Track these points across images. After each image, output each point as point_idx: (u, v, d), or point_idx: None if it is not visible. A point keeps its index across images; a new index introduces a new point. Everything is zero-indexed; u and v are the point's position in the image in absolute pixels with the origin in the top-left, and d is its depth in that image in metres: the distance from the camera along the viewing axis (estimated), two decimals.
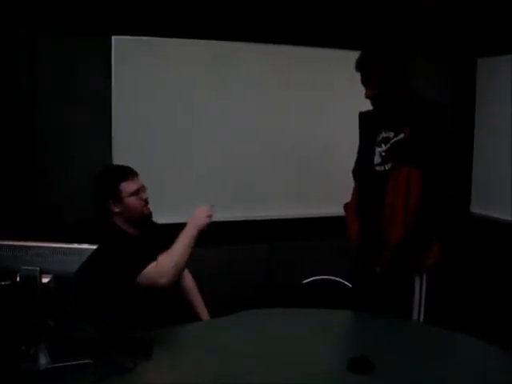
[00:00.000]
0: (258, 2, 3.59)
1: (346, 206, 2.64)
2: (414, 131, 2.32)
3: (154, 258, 2.18)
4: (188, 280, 2.53)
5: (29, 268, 1.65)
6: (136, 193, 2.28)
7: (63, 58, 3.29)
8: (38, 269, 1.65)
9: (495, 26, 3.88)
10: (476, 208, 4.14)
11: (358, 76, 2.45)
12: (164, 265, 2.12)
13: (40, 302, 1.65)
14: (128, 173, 2.30)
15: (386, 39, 2.71)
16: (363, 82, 2.42)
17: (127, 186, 2.26)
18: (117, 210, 2.26)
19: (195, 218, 2.23)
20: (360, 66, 2.41)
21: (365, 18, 3.78)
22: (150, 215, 2.35)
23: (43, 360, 1.66)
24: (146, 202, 2.32)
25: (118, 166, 2.41)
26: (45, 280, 1.66)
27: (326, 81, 3.83)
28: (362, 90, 2.46)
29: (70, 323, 1.74)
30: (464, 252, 3.98)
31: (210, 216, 2.21)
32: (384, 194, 2.36)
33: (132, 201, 2.27)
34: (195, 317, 2.42)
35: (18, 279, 1.66)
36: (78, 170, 3.32)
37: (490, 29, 3.93)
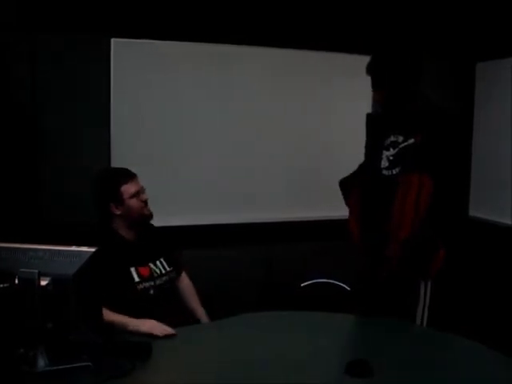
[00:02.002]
0: (257, 6, 3.60)
1: (341, 183, 2.63)
2: (427, 138, 2.30)
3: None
4: (185, 282, 2.54)
5: (27, 270, 1.64)
6: (136, 194, 2.30)
7: (63, 60, 3.30)
8: (37, 271, 1.64)
9: (494, 30, 3.89)
10: (474, 212, 4.14)
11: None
12: None
13: (39, 305, 1.65)
14: (128, 175, 2.33)
15: (397, 43, 2.70)
16: (374, 85, 2.41)
17: (128, 188, 2.29)
18: (118, 212, 2.28)
19: (152, 323, 2.07)
20: (371, 68, 2.41)
21: (365, 23, 3.80)
22: (150, 216, 2.37)
23: (42, 362, 1.66)
24: (146, 203, 2.34)
25: (117, 169, 2.44)
26: (43, 282, 1.66)
27: (327, 84, 3.84)
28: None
29: (68, 325, 1.73)
30: (463, 256, 3.98)
31: (163, 333, 2.02)
32: (392, 199, 2.34)
33: (133, 202, 2.29)
34: (193, 318, 2.42)
35: (16, 282, 1.66)
36: (77, 171, 3.32)
37: (489, 33, 3.93)
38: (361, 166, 2.64)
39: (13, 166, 3.23)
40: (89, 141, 3.38)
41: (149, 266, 2.32)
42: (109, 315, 2.04)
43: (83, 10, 3.26)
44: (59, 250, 1.69)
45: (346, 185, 2.61)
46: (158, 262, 2.37)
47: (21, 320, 1.66)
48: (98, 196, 2.33)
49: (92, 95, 3.38)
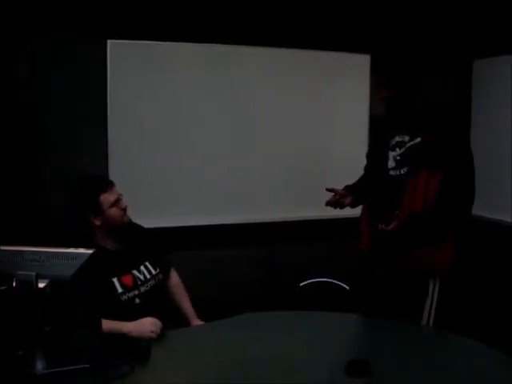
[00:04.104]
0: (255, 6, 3.60)
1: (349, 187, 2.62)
2: (434, 137, 2.30)
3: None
4: (174, 281, 2.52)
5: (25, 273, 1.64)
6: (116, 203, 2.24)
7: (62, 61, 3.31)
8: (35, 274, 1.64)
9: (491, 28, 3.88)
10: (475, 210, 4.12)
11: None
12: None
13: (37, 307, 1.65)
14: (106, 183, 2.26)
15: (400, 41, 2.69)
16: (379, 83, 2.41)
17: (107, 198, 2.21)
18: (98, 223, 2.21)
19: (139, 324, 2.04)
20: (376, 66, 2.40)
21: (363, 21, 3.79)
22: (129, 222, 2.30)
23: (40, 365, 1.66)
24: (125, 210, 2.28)
25: (95, 177, 2.34)
26: (41, 285, 1.65)
27: (326, 83, 3.84)
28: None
29: (66, 328, 1.73)
30: (463, 255, 3.96)
31: (153, 332, 2.01)
32: (401, 198, 2.33)
33: (113, 212, 2.22)
34: (183, 320, 2.41)
35: (14, 284, 1.65)
36: (76, 171, 3.32)
37: (485, 30, 3.92)
38: (366, 169, 2.63)
39: (12, 166, 3.24)
40: (87, 141, 3.39)
41: (132, 274, 2.25)
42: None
43: (79, 12, 3.26)
44: (57, 252, 1.68)
45: (356, 190, 2.60)
46: (142, 267, 2.30)
47: (19, 322, 1.66)
48: (76, 207, 2.24)
49: (91, 96, 3.38)
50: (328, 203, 2.53)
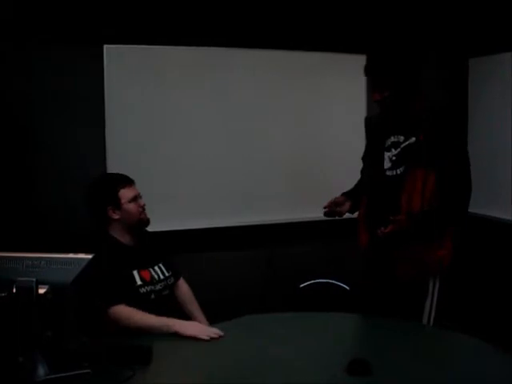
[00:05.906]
0: (252, 8, 3.61)
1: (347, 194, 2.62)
2: (430, 135, 2.29)
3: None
4: (183, 288, 2.55)
5: (25, 279, 1.64)
6: (134, 199, 2.33)
7: (56, 68, 3.32)
8: (35, 280, 1.64)
9: (486, 26, 3.88)
10: (475, 208, 4.12)
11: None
12: (125, 318, 2.10)
13: (37, 313, 1.65)
14: (125, 180, 2.35)
15: (394, 42, 2.68)
16: (373, 85, 2.41)
17: (126, 193, 2.31)
18: (116, 216, 2.30)
19: (199, 328, 2.11)
20: (370, 68, 2.40)
21: (357, 20, 3.80)
22: (147, 221, 2.38)
23: (42, 371, 1.66)
24: (143, 208, 2.37)
25: (115, 174, 2.44)
26: (41, 291, 1.66)
27: (324, 85, 3.84)
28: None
29: (67, 333, 1.73)
30: (463, 253, 3.96)
31: (210, 336, 2.03)
32: (398, 198, 2.33)
33: (131, 207, 2.31)
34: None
35: (14, 291, 1.65)
36: (75, 176, 3.33)
37: (481, 28, 3.92)
38: (362, 172, 2.63)
39: (11, 166, 3.25)
40: (86, 144, 3.40)
41: (149, 270, 2.33)
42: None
43: (75, 18, 3.27)
44: (56, 258, 1.69)
45: (354, 195, 2.60)
46: (156, 267, 2.37)
47: (19, 329, 1.66)
48: (96, 200, 2.33)
49: (90, 98, 3.39)
50: (325, 214, 2.56)
